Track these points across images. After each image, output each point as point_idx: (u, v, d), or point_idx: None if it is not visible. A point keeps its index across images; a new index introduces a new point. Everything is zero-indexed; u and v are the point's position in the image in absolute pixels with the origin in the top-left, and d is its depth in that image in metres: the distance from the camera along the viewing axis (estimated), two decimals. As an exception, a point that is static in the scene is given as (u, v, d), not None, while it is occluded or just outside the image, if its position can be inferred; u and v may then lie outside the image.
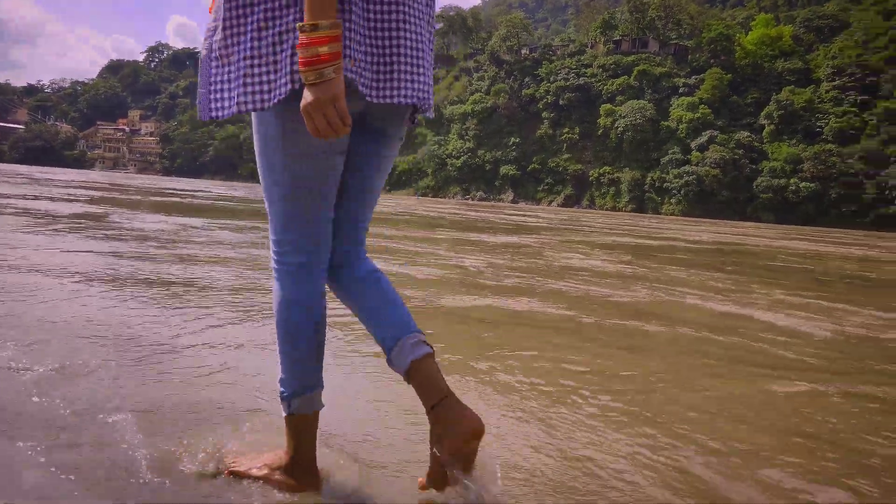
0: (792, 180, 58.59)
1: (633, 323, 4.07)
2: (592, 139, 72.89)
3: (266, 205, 1.49)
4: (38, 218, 8.14)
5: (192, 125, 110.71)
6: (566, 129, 75.27)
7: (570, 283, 5.79)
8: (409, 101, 1.39)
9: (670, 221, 38.60)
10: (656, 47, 76.40)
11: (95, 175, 52.31)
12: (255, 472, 1.57)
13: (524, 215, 28.10)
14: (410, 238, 9.85)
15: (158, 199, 17.33)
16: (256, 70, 1.32)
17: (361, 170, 1.55)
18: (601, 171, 70.36)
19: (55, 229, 6.92)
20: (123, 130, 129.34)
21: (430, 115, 1.55)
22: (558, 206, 69.17)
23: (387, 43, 1.37)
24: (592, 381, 2.68)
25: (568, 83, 76.37)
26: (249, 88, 1.33)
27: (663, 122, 68.38)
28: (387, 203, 31.18)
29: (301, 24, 1.23)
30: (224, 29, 1.36)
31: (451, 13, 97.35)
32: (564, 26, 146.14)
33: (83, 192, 17.52)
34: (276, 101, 1.31)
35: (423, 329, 1.54)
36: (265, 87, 1.32)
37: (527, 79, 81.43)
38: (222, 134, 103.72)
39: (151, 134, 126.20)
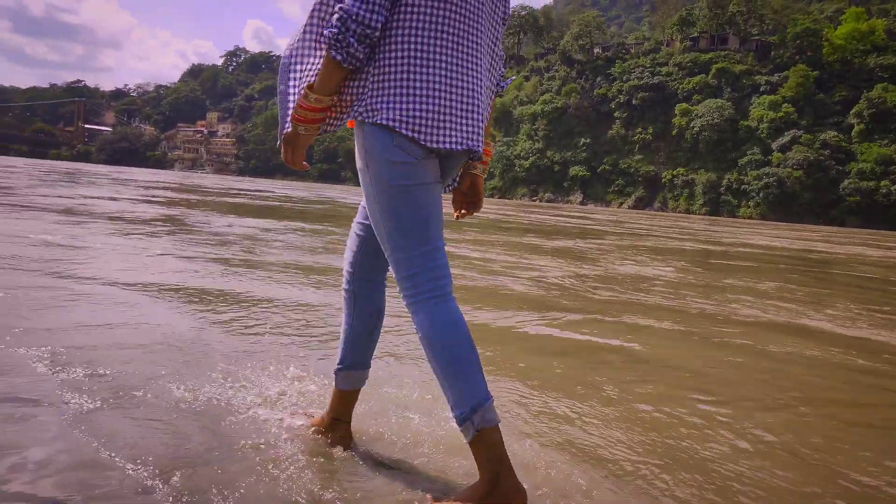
0: (882, 183, 55.37)
1: (760, 346, 3.77)
2: (666, 140, 70.93)
3: (388, 252, 1.57)
4: (129, 222, 8.40)
5: (266, 127, 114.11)
6: (639, 130, 73.54)
7: (668, 299, 5.48)
8: (461, 147, 1.53)
9: (748, 225, 37.05)
10: (736, 44, 73.59)
11: (173, 176, 54.51)
12: None
13: (587, 217, 27.51)
14: (478, 242, 9.66)
15: (228, 199, 17.80)
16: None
17: None
18: (675, 172, 68.39)
19: (143, 233, 7.10)
20: (202, 132, 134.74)
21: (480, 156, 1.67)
22: (629, 208, 67.68)
23: (450, 93, 1.50)
24: (735, 426, 2.43)
25: (642, 82, 74.58)
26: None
27: (742, 122, 65.83)
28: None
29: (305, 87, 1.52)
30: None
31: (522, 13, 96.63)
32: (639, 24, 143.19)
33: (161, 192, 18.15)
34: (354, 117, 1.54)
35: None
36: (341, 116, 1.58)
37: (599, 78, 79.99)
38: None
39: (227, 135, 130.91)
